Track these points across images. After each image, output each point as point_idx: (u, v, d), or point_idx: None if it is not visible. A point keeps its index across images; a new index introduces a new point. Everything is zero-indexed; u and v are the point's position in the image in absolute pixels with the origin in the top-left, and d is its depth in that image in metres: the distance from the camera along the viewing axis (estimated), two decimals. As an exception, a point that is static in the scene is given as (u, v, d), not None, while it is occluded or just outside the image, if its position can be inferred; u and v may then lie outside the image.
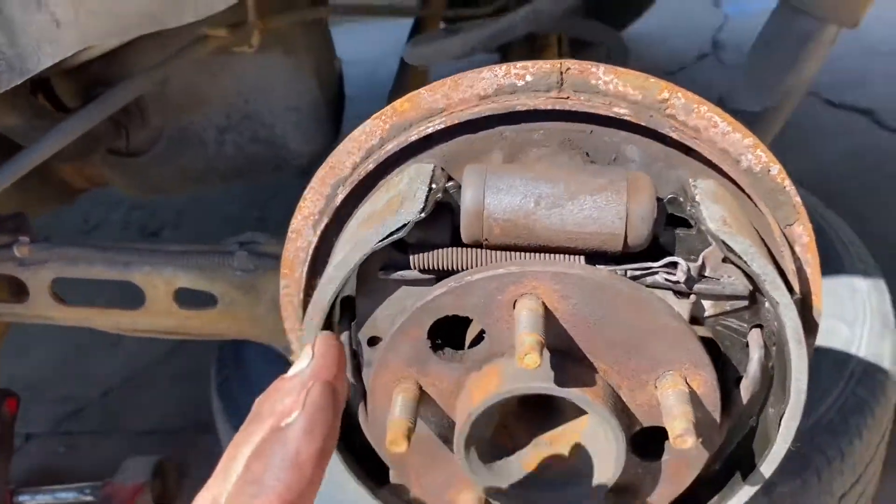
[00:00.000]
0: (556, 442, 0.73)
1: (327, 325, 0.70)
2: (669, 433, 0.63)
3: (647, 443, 0.73)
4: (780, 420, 0.70)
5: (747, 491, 0.75)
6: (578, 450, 0.72)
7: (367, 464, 0.79)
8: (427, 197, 0.67)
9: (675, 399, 0.65)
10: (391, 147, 0.74)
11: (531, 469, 0.73)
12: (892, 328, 1.43)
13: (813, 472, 1.21)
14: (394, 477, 0.80)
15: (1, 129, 1.27)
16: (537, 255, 0.69)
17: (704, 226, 0.65)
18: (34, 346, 2.56)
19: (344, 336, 0.73)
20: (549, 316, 0.64)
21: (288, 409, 0.43)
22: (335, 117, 1.60)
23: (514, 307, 0.65)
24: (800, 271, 0.77)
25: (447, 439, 0.73)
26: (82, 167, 1.68)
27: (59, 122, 1.28)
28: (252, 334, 1.21)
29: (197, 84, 1.46)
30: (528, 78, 0.72)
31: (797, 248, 0.78)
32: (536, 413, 0.74)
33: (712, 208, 0.67)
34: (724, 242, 0.64)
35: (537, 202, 0.65)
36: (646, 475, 0.74)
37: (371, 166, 0.75)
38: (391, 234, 0.65)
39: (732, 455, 0.79)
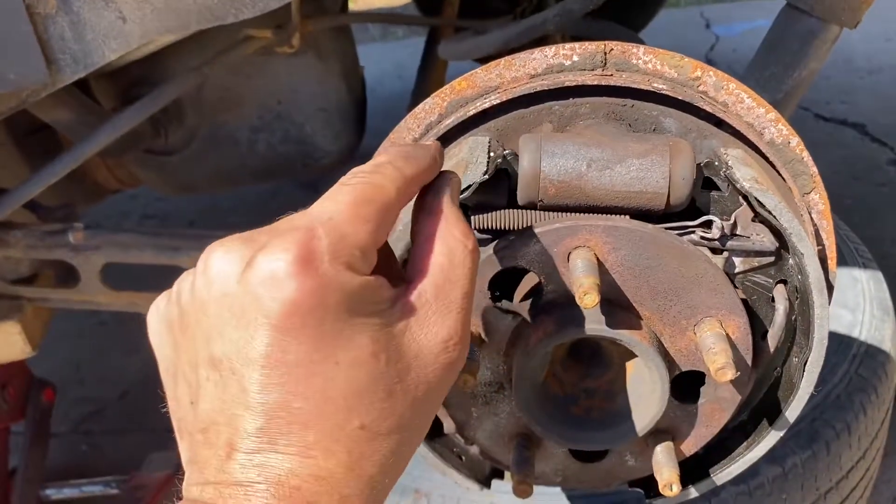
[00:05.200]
0: (601, 388, 0.80)
1: None
2: (711, 368, 0.70)
3: (682, 390, 0.80)
4: (804, 367, 0.77)
5: (774, 436, 0.82)
6: (622, 394, 0.79)
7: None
8: (489, 161, 0.74)
9: (715, 338, 0.72)
10: (450, 122, 0.82)
11: (579, 412, 0.80)
12: (892, 314, 1.51)
13: (822, 444, 1.28)
14: (448, 429, 0.87)
15: (52, 123, 1.34)
16: (587, 214, 0.76)
17: (739, 184, 0.72)
18: (51, 348, 2.60)
19: None
20: (599, 266, 0.72)
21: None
22: (360, 118, 1.68)
23: (567, 259, 0.73)
24: (817, 234, 0.85)
25: (502, 386, 0.80)
26: (115, 168, 1.75)
27: (104, 119, 1.36)
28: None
29: (233, 85, 1.53)
30: (575, 58, 0.80)
31: (814, 215, 0.86)
32: (583, 362, 0.81)
33: (744, 170, 0.74)
34: (756, 199, 0.72)
35: (589, 164, 0.73)
36: (683, 418, 0.81)
37: (431, 140, 0.82)
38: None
39: (758, 406, 0.86)
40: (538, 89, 0.78)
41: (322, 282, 0.50)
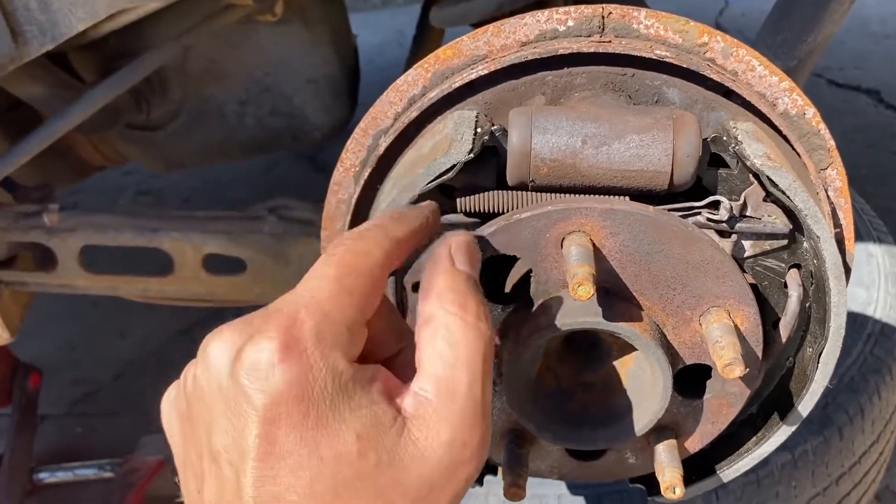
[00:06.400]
0: (599, 382, 0.75)
1: None
2: (717, 363, 0.64)
3: (687, 383, 0.74)
4: (819, 358, 0.71)
5: (785, 430, 0.76)
6: (622, 389, 0.74)
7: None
8: (475, 139, 0.68)
9: (722, 331, 0.66)
10: (434, 95, 0.75)
11: (575, 408, 0.74)
12: (908, 291, 1.45)
13: (835, 429, 1.22)
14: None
15: (25, 98, 1.28)
16: (582, 196, 0.70)
17: (749, 161, 0.66)
18: (45, 330, 2.57)
19: (389, 282, 0.74)
20: (596, 252, 0.66)
21: None
22: (352, 90, 1.61)
23: (561, 245, 0.66)
24: (833, 213, 0.79)
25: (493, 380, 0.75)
26: (100, 144, 1.69)
27: (80, 94, 1.29)
28: (279, 300, 1.22)
29: (217, 57, 1.47)
30: (570, 23, 0.73)
31: (830, 193, 0.80)
32: (580, 354, 0.76)
33: (755, 146, 0.68)
34: (768, 177, 0.65)
35: (584, 141, 0.67)
36: (687, 414, 0.75)
37: (414, 114, 0.76)
38: (441, 174, 0.66)
39: (768, 398, 0.81)
40: (529, 58, 0.72)
41: (305, 369, 0.49)
